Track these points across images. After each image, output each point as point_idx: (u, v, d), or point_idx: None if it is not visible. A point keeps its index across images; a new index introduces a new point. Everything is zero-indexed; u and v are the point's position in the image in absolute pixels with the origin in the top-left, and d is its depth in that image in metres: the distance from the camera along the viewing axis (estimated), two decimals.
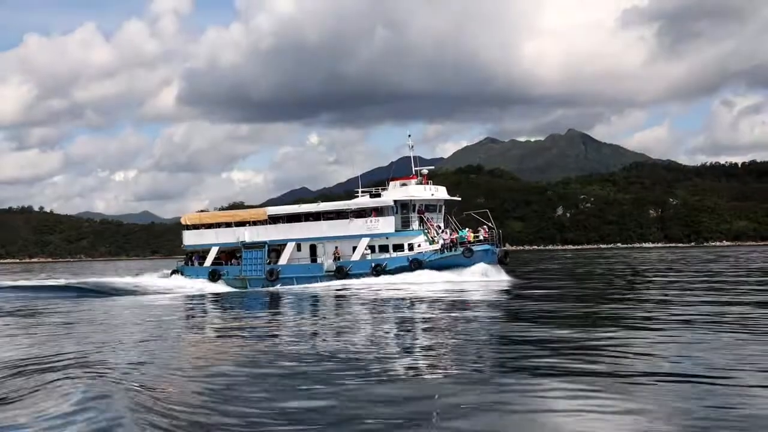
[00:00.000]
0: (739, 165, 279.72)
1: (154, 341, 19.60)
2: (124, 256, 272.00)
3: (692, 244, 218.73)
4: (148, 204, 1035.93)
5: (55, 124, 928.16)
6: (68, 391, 11.76)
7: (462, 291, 34.87)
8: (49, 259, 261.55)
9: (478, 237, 42.94)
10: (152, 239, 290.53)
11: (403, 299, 31.29)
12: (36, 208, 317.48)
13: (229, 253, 48.61)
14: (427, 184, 45.60)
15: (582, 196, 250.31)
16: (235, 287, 45.60)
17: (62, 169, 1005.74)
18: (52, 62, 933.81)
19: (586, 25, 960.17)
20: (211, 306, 33.38)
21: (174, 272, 49.30)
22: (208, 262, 48.23)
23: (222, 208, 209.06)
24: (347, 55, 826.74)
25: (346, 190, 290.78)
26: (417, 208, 44.74)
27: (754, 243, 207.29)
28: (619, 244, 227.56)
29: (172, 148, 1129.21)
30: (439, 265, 42.34)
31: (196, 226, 49.79)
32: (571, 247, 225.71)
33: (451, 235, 43.86)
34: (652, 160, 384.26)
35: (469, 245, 42.56)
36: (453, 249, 42.66)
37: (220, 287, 44.90)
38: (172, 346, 18.82)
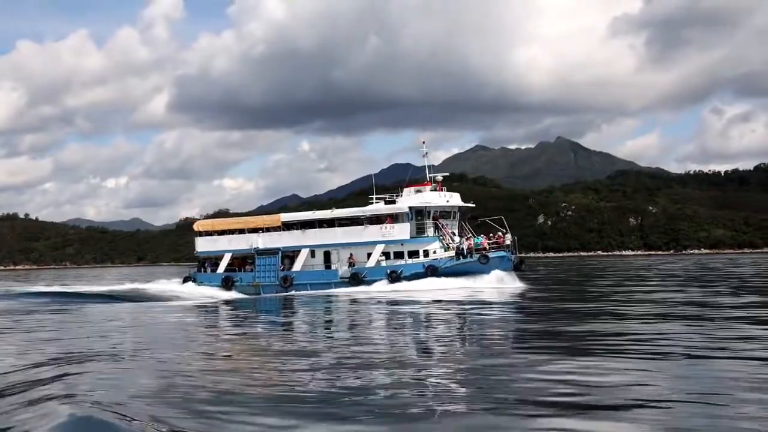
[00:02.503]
0: (722, 173, 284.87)
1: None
2: (110, 263, 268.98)
3: (671, 251, 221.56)
4: (138, 211, 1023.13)
5: (46, 130, 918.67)
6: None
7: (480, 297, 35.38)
8: (34, 266, 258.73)
9: (505, 243, 43.30)
10: (137, 246, 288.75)
11: (424, 306, 31.67)
12: (27, 216, 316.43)
13: (242, 260, 48.57)
14: (442, 190, 46.01)
15: (563, 204, 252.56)
16: (249, 294, 45.56)
17: (53, 176, 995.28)
18: (43, 69, 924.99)
19: (576, 32, 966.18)
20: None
21: (186, 279, 49.16)
22: (221, 268, 48.14)
23: (208, 216, 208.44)
24: (339, 62, 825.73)
25: (331, 198, 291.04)
26: (432, 214, 44.98)
27: (731, 251, 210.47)
28: (599, 252, 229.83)
29: (163, 155, 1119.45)
30: (455, 271, 42.61)
31: (209, 233, 49.73)
32: (551, 254, 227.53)
33: (467, 241, 44.13)
34: (639, 168, 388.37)
35: (484, 252, 42.98)
36: (469, 255, 43.04)
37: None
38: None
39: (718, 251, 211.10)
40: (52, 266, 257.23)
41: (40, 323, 27.37)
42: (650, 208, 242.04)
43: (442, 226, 45.05)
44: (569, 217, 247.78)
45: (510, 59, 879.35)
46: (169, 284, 48.43)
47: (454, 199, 46.23)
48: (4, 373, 14.84)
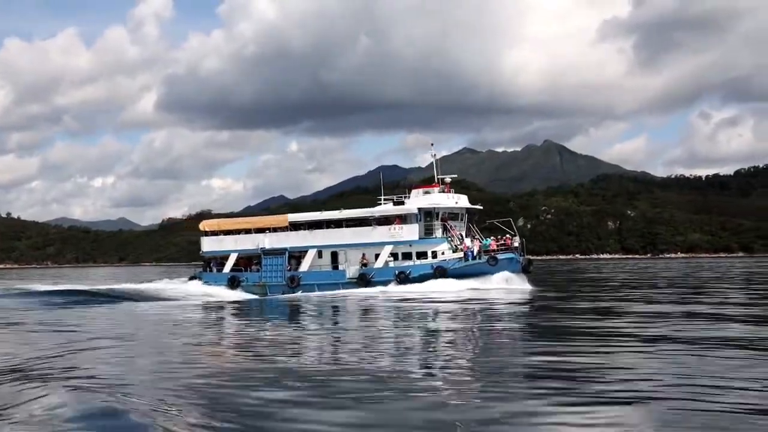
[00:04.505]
0: (703, 178, 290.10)
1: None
2: (92, 263, 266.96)
3: (648, 255, 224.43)
4: (125, 210, 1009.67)
5: (34, 129, 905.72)
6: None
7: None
8: (15, 266, 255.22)
9: (513, 245, 43.63)
10: (120, 246, 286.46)
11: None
12: (9, 214, 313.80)
13: (247, 260, 48.38)
14: (450, 192, 46.25)
15: (543, 208, 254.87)
16: (255, 294, 45.40)
17: (40, 174, 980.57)
18: (31, 67, 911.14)
19: (566, 35, 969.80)
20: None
21: (192, 278, 48.91)
22: (227, 268, 47.92)
23: (191, 217, 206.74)
24: (329, 63, 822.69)
25: (314, 200, 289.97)
26: (440, 216, 45.17)
27: (706, 255, 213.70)
28: (577, 255, 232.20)
29: (151, 154, 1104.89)
30: (464, 273, 42.72)
31: (215, 233, 49.47)
32: (530, 257, 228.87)
33: (473, 243, 44.43)
34: (623, 172, 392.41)
35: (493, 253, 43.28)
36: (478, 257, 43.31)
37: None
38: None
39: (694, 255, 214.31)
40: (33, 265, 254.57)
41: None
42: (629, 212, 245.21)
43: (450, 227, 45.26)
44: (548, 221, 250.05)
45: (500, 62, 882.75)
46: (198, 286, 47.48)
47: (462, 201, 46.44)
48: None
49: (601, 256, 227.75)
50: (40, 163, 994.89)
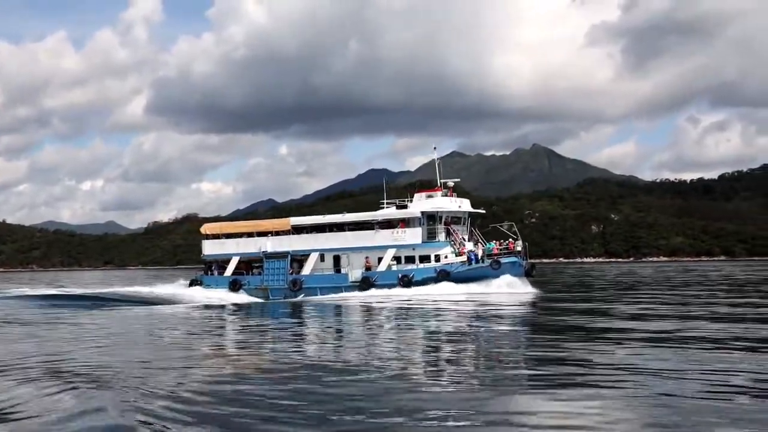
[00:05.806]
0: (688, 182, 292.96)
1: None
2: (77, 267, 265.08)
3: (631, 259, 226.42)
4: (114, 214, 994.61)
5: (22, 132, 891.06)
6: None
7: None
8: (1, 269, 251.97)
9: (516, 249, 43.91)
10: (105, 250, 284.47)
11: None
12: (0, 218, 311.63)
13: (247, 263, 48.24)
14: (452, 196, 46.47)
15: (527, 212, 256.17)
16: (256, 297, 45.28)
17: (28, 177, 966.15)
18: (20, 70, 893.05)
19: (556, 40, 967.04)
20: None
21: (193, 282, 48.59)
22: (228, 271, 47.73)
23: (177, 221, 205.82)
24: (319, 67, 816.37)
25: (300, 204, 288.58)
26: (444, 219, 45.34)
27: (689, 259, 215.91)
28: (561, 259, 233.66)
29: (140, 157, 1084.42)
30: (467, 276, 42.91)
31: (216, 236, 49.27)
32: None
33: (476, 247, 44.68)
34: (611, 176, 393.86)
35: (496, 257, 43.55)
36: (481, 261, 43.53)
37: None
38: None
39: (677, 259, 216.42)
40: (18, 269, 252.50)
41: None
42: (612, 215, 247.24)
43: (453, 231, 45.45)
44: (532, 224, 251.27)
45: (490, 66, 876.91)
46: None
47: (465, 205, 46.69)
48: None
49: (585, 259, 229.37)
50: (29, 166, 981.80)
